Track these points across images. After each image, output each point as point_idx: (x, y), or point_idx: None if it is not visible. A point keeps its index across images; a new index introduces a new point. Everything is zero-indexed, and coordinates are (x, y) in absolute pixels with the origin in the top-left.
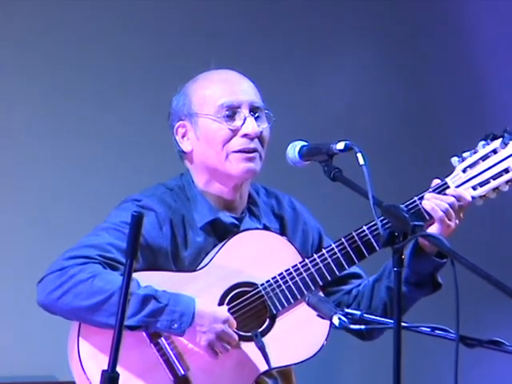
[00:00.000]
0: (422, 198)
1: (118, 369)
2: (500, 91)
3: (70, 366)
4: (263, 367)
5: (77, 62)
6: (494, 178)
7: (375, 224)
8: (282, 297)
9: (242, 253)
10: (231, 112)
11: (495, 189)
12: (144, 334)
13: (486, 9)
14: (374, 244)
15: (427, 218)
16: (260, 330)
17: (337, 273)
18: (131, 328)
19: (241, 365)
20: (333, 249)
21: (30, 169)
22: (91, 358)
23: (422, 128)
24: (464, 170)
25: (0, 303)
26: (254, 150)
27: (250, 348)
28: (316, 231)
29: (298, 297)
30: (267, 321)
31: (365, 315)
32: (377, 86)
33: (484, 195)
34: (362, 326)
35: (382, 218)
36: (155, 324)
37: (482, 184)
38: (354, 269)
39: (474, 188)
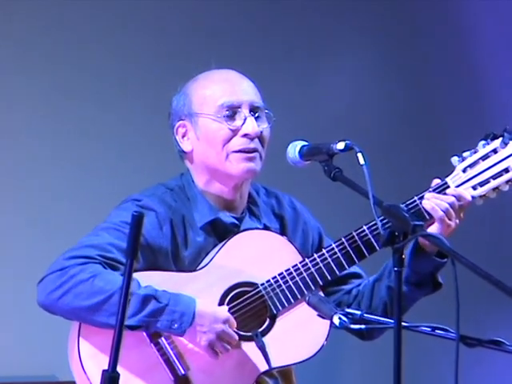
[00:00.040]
0: (422, 198)
1: (119, 368)
2: (500, 91)
3: (70, 365)
4: (263, 367)
5: (77, 62)
6: (494, 177)
7: (375, 224)
8: (282, 296)
9: (242, 253)
10: (231, 112)
11: (495, 188)
12: (144, 333)
13: (485, 9)
14: (374, 244)
15: (427, 217)
16: (260, 329)
17: (337, 272)
18: (131, 328)
19: (241, 365)
20: (333, 248)
21: (29, 169)
22: (91, 357)
23: (422, 128)
24: (464, 170)
25: (0, 303)
26: (254, 150)
27: (250, 348)
28: (316, 231)
29: (299, 296)
30: (267, 321)
31: (365, 315)
32: (377, 86)
33: (484, 195)
34: (363, 326)
35: (382, 217)
36: (155, 324)
37: (482, 184)
38: (354, 268)
39: (474, 188)
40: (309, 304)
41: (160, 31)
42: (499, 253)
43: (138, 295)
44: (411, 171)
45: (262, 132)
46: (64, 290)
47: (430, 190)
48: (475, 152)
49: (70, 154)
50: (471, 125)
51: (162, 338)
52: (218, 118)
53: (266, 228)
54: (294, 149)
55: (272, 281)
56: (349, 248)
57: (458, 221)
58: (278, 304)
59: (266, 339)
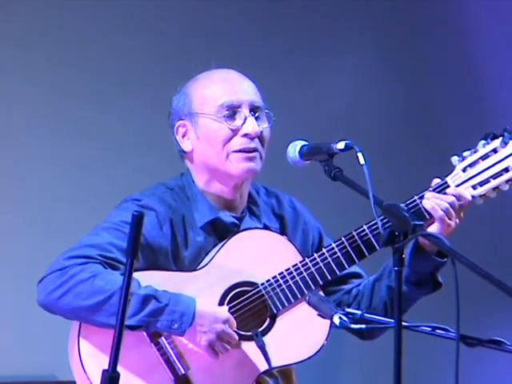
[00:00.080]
0: (422, 197)
1: (119, 368)
2: (500, 91)
3: (70, 365)
4: (264, 367)
5: (77, 61)
6: (494, 177)
7: (375, 223)
8: (282, 296)
9: (242, 252)
10: (231, 112)
11: (495, 188)
12: (144, 333)
13: (486, 9)
14: (375, 243)
15: (427, 217)
16: (260, 329)
17: (337, 272)
18: (132, 328)
19: (241, 364)
20: (333, 248)
21: (29, 169)
22: (92, 357)
23: (422, 128)
24: (464, 170)
25: (0, 303)
26: (255, 150)
27: (250, 347)
28: (316, 231)
29: (299, 296)
30: (267, 320)
31: (365, 315)
32: (377, 86)
33: (484, 194)
34: (363, 326)
35: (383, 217)
36: (155, 324)
37: (482, 183)
38: (355, 268)
39: (474, 187)
40: (309, 303)
41: (160, 31)
42: (499, 252)
43: (138, 295)
44: (411, 171)
45: (262, 132)
46: (64, 289)
47: (430, 189)
48: (475, 151)
49: (70, 153)
50: (471, 125)
51: (162, 338)
52: (218, 117)
53: (266, 228)
54: (294, 148)
55: (272, 280)
56: (349, 248)
57: (458, 220)
58: (278, 303)
59: (266, 339)
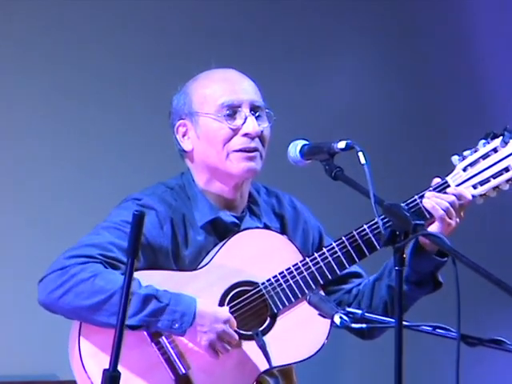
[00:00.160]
0: (422, 197)
1: (119, 368)
2: (500, 91)
3: (70, 364)
4: (264, 366)
5: (77, 61)
6: (495, 176)
7: (376, 223)
8: (282, 296)
9: (242, 252)
10: (232, 111)
11: (495, 187)
12: (145, 333)
13: (485, 9)
14: (375, 243)
15: (428, 216)
16: (261, 328)
17: (337, 272)
18: (132, 327)
19: (242, 364)
20: (333, 247)
21: (30, 169)
22: (92, 356)
23: (422, 128)
24: (464, 169)
25: (0, 303)
26: (255, 150)
27: (250, 347)
28: (316, 230)
29: (299, 296)
30: (268, 320)
31: (366, 314)
32: (377, 86)
33: (484, 194)
34: (364, 325)
35: (383, 216)
36: (156, 324)
37: (482, 183)
38: (355, 268)
39: (474, 187)
40: (309, 303)
41: (160, 31)
42: (500, 252)
43: (138, 295)
44: (411, 171)
45: (262, 131)
46: (65, 289)
47: (431, 188)
48: (475, 151)
49: (70, 153)
50: (471, 125)
51: (163, 337)
52: (219, 117)
53: (266, 227)
54: (294, 148)
55: (272, 280)
56: (349, 247)
57: (458, 220)
58: (278, 303)
59: (267, 338)
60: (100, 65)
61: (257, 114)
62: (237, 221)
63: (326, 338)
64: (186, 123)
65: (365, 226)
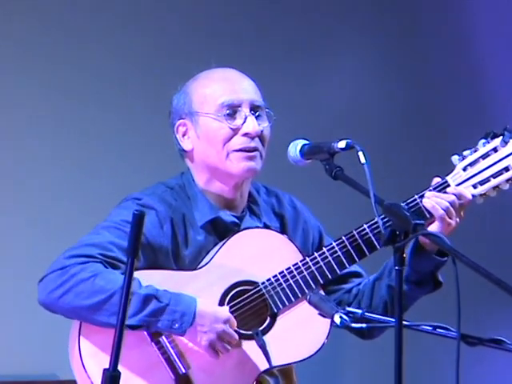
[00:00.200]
0: (422, 197)
1: (119, 367)
2: (500, 91)
3: (70, 364)
4: (264, 366)
5: (77, 61)
6: (495, 176)
7: (376, 222)
8: (282, 295)
9: (242, 251)
10: (232, 111)
11: (495, 187)
12: (145, 332)
13: (485, 9)
14: (375, 242)
15: (428, 216)
16: (261, 328)
17: (337, 271)
18: (132, 327)
19: (242, 363)
20: (333, 247)
21: (29, 169)
22: (92, 356)
23: (422, 128)
24: (464, 169)
25: (0, 303)
26: (255, 149)
27: (250, 347)
28: (316, 230)
29: (299, 295)
30: (268, 319)
31: (366, 314)
32: (377, 86)
33: (484, 193)
34: (364, 325)
35: (383, 216)
36: (156, 324)
37: (482, 182)
38: (355, 267)
39: (474, 186)
40: (310, 303)
41: (160, 31)
42: (500, 251)
43: (138, 295)
44: (411, 171)
45: (262, 131)
46: (65, 289)
47: (431, 188)
48: (475, 150)
49: (70, 153)
50: (471, 125)
51: (163, 337)
52: (219, 116)
53: (266, 227)
54: (295, 147)
55: (273, 279)
56: (349, 247)
57: (458, 219)
58: (278, 303)
59: (267, 338)
60: (100, 65)
61: (257, 114)
62: (237, 220)
63: (326, 338)
64: (185, 123)
65: (365, 226)
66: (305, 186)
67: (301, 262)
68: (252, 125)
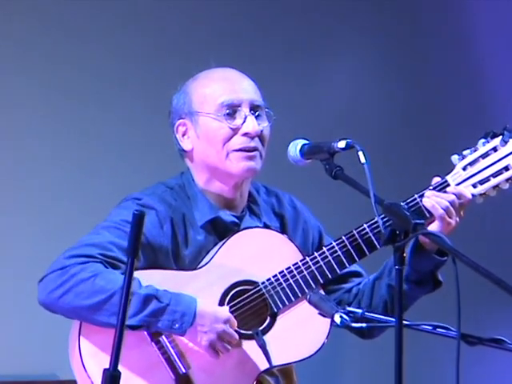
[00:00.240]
0: (422, 196)
1: (119, 367)
2: (500, 91)
3: (71, 364)
4: (264, 365)
5: (77, 61)
6: (494, 175)
7: (376, 222)
8: (282, 295)
9: (242, 251)
10: (232, 110)
11: (495, 187)
12: (145, 332)
13: (485, 9)
14: (375, 242)
15: (428, 215)
16: (261, 328)
17: (337, 271)
18: (132, 327)
19: (242, 363)
20: (333, 247)
21: (30, 169)
22: (92, 356)
23: (422, 128)
24: (464, 168)
25: (0, 303)
26: (255, 149)
27: (250, 346)
28: (316, 230)
29: (299, 295)
30: (268, 319)
31: (366, 313)
32: (377, 86)
33: (484, 193)
34: (364, 325)
35: (383, 216)
36: (156, 324)
37: (482, 182)
38: (355, 267)
39: (474, 186)
40: (310, 302)
41: (160, 31)
42: (500, 251)
43: (139, 295)
44: (411, 171)
45: (262, 131)
46: (65, 289)
47: (431, 188)
48: (475, 150)
49: (70, 153)
50: (471, 125)
51: (163, 337)
52: (219, 116)
53: (266, 227)
54: (295, 147)
55: (273, 279)
56: (349, 246)
57: (458, 219)
58: (278, 302)
59: (267, 338)
60: (100, 65)
61: (256, 114)
62: (237, 220)
63: (326, 338)
64: (185, 122)
65: (365, 226)
66: (305, 185)
67: (301, 261)
68: (252, 124)
